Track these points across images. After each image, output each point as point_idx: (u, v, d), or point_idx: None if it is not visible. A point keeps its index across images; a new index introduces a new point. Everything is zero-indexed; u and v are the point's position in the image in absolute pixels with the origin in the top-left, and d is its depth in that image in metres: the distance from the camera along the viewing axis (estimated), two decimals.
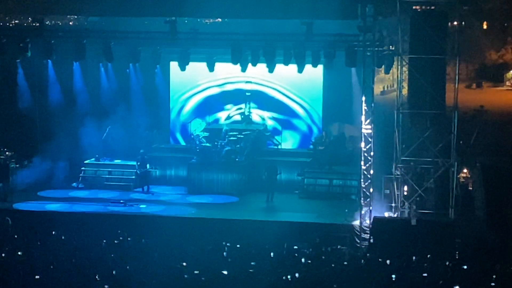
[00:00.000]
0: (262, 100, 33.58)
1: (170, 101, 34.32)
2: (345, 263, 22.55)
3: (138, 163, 31.17)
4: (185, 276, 20.18)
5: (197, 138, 32.04)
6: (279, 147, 33.24)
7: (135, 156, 31.46)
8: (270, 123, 33.74)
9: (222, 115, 34.02)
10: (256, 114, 33.59)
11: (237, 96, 33.63)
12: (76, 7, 30.30)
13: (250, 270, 20.85)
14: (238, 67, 28.99)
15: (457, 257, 23.99)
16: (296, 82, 32.88)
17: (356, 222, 26.93)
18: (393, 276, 20.25)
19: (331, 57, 27.74)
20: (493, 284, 20.30)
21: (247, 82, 33.16)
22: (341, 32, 27.74)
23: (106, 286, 19.26)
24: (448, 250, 24.41)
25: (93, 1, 29.52)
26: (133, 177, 31.58)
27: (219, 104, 33.93)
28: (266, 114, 33.69)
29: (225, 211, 28.59)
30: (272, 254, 22.90)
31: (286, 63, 28.35)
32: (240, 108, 33.67)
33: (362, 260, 23.06)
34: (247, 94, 33.30)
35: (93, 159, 32.48)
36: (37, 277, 19.79)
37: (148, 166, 31.58)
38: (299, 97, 33.51)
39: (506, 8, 53.03)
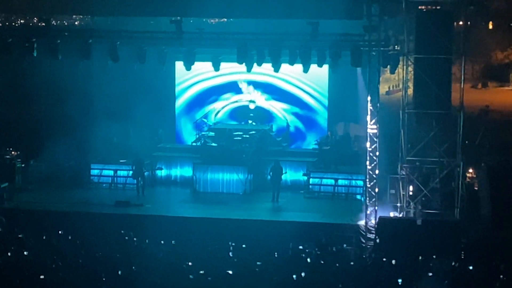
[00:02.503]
0: (275, 92, 33.45)
1: (176, 100, 34.32)
2: (351, 263, 22.57)
3: (134, 166, 31.06)
4: (191, 276, 20.21)
5: (203, 137, 32.05)
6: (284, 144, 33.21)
7: (140, 156, 31.42)
8: (290, 118, 33.57)
9: (217, 106, 33.79)
10: (274, 107, 33.41)
11: (238, 85, 33.48)
12: (82, 7, 30.32)
13: (256, 270, 20.88)
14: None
15: (462, 257, 23.97)
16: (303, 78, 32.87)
17: (362, 222, 26.93)
18: (399, 279, 20.25)
19: (336, 57, 27.69)
20: (498, 284, 20.30)
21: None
22: (346, 32, 27.71)
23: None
24: (453, 250, 24.39)
25: (99, 1, 29.50)
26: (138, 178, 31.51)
27: (215, 95, 33.69)
28: (281, 106, 33.53)
29: (230, 211, 28.56)
30: (277, 254, 22.92)
31: (291, 63, 28.30)
32: (240, 100, 33.55)
33: (368, 260, 23.07)
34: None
35: (99, 159, 32.46)
36: (42, 276, 19.82)
37: (153, 166, 31.67)
38: (314, 89, 33.26)
39: None
